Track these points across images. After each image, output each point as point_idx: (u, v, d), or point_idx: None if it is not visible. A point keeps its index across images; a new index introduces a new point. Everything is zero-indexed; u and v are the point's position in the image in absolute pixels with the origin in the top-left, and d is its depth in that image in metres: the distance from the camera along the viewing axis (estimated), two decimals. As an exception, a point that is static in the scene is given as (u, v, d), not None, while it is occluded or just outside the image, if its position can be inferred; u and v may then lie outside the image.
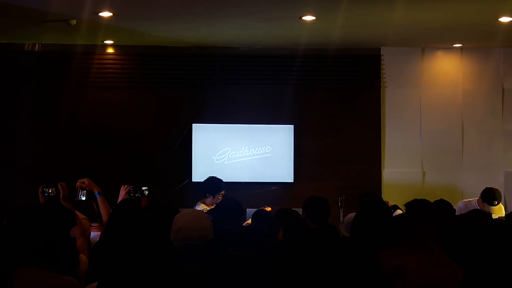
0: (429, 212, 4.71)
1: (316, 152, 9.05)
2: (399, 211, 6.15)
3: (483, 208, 6.64)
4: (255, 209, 5.64)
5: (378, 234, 2.85)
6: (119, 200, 5.61)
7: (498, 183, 9.01)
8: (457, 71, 9.22)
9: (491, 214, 3.84)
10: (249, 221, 5.81)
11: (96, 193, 4.53)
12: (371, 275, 2.62)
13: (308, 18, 7.21)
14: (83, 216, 4.48)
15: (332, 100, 9.10)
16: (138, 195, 5.74)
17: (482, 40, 8.71)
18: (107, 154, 8.80)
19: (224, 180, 6.89)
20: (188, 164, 8.76)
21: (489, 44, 8.86)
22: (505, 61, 9.16)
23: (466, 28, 7.94)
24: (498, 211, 6.67)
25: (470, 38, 8.62)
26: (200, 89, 8.97)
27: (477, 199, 6.91)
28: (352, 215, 5.21)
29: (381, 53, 9.14)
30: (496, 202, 6.78)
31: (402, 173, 9.07)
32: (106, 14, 6.99)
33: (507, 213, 6.64)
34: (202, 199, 6.79)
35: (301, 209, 5.38)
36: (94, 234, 4.69)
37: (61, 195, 4.40)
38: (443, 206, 5.24)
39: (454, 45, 9.04)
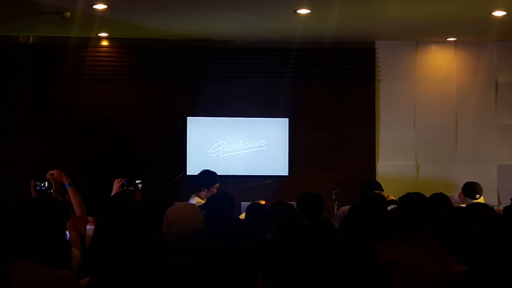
0: (424, 205, 4.74)
1: (311, 145, 9.07)
2: (394, 206, 6.16)
3: (465, 202, 6.70)
4: (250, 202, 5.65)
5: (372, 227, 2.87)
6: (112, 194, 5.62)
7: (491, 177, 9.07)
8: (451, 65, 9.24)
9: (492, 207, 3.85)
10: (243, 214, 5.82)
11: (66, 184, 4.45)
12: (366, 267, 2.64)
13: (303, 11, 7.22)
14: (80, 214, 4.47)
15: (326, 94, 9.12)
16: (131, 189, 5.74)
17: (476, 34, 8.73)
18: (101, 147, 8.79)
19: (218, 174, 6.88)
20: (183, 157, 8.76)
21: (483, 38, 8.88)
22: (498, 55, 9.18)
23: (460, 22, 7.96)
24: None
25: (464, 32, 8.64)
26: (195, 82, 8.97)
27: (459, 193, 6.96)
28: (345, 208, 5.25)
29: (376, 47, 9.15)
30: (478, 195, 6.83)
31: (396, 166, 9.10)
32: (100, 6, 6.97)
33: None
34: (196, 192, 6.79)
35: (295, 202, 5.41)
36: (89, 228, 4.68)
37: (52, 189, 4.39)
38: (440, 199, 5.27)
39: (448, 39, 9.05)
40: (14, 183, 7.96)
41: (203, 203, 5.98)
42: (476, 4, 7.04)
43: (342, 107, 9.13)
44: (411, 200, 5.00)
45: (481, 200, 6.80)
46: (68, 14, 7.24)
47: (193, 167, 8.48)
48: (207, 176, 6.78)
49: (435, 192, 5.55)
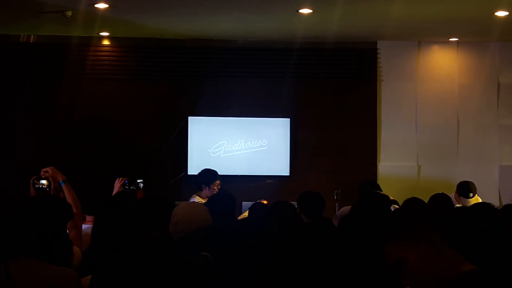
0: (428, 205, 4.74)
1: (312, 145, 9.06)
2: (395, 206, 6.16)
3: (460, 202, 6.71)
4: (251, 202, 5.64)
5: (374, 226, 2.86)
6: (114, 193, 5.61)
7: (492, 177, 9.07)
8: (453, 65, 9.23)
9: (493, 206, 3.86)
10: (246, 213, 5.81)
11: (60, 181, 4.42)
12: (373, 267, 2.62)
13: (305, 11, 7.21)
14: (75, 212, 4.45)
15: (328, 94, 9.11)
16: (133, 188, 5.73)
17: (478, 35, 8.72)
18: (103, 146, 8.79)
19: (220, 173, 6.87)
20: (184, 157, 8.76)
21: (485, 39, 8.87)
22: (501, 56, 9.18)
23: (462, 22, 7.95)
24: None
25: (466, 32, 8.63)
26: (197, 82, 8.97)
27: (454, 194, 6.95)
28: (346, 208, 5.24)
29: (378, 47, 9.15)
30: (472, 194, 6.84)
31: (398, 166, 9.09)
32: (102, 5, 6.97)
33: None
34: (197, 192, 6.77)
35: (296, 202, 5.40)
36: (86, 227, 4.67)
37: (52, 187, 4.38)
38: (442, 199, 5.28)
39: (450, 39, 9.05)
40: (16, 182, 7.95)
41: (204, 203, 5.97)
42: (479, 4, 7.03)
43: (343, 108, 9.13)
44: (414, 202, 5.01)
45: (476, 198, 6.81)
46: (69, 13, 7.23)
47: (194, 167, 8.48)
48: (208, 174, 6.77)
49: (436, 192, 5.56)
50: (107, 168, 8.49)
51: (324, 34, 8.39)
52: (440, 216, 3.78)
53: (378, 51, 9.16)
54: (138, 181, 5.88)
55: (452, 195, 6.98)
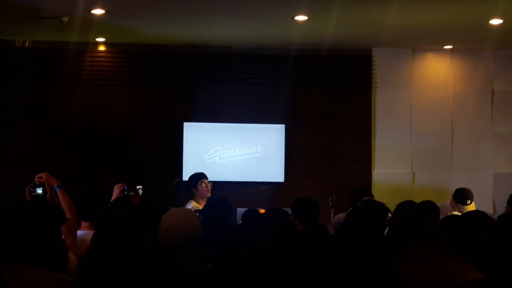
0: (418, 214, 4.74)
1: (307, 152, 9.08)
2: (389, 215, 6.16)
3: (456, 209, 6.70)
4: (245, 209, 5.63)
5: (370, 233, 2.87)
6: (112, 199, 5.60)
7: (487, 185, 9.10)
8: (447, 73, 9.27)
9: (487, 215, 3.85)
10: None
11: (55, 187, 4.41)
12: (373, 276, 2.63)
13: (301, 18, 7.24)
14: (70, 217, 4.44)
15: (323, 100, 9.14)
16: (132, 194, 5.70)
17: (472, 42, 8.76)
18: (98, 152, 8.79)
19: (214, 180, 6.88)
20: (179, 163, 8.76)
21: (480, 46, 8.92)
22: (495, 63, 9.22)
23: (457, 30, 7.99)
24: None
25: (460, 40, 8.67)
26: (192, 87, 8.98)
27: (450, 201, 6.95)
28: (341, 215, 5.24)
29: (372, 54, 9.18)
30: (469, 201, 6.82)
31: (392, 173, 9.12)
32: (98, 11, 6.99)
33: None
34: (191, 197, 6.77)
35: (290, 209, 5.39)
36: (81, 233, 4.66)
37: (47, 195, 4.37)
38: (430, 207, 5.28)
39: (444, 47, 9.09)
40: (12, 187, 7.93)
41: (201, 209, 5.97)
42: (473, 13, 7.07)
43: (338, 114, 9.15)
44: (406, 210, 5.00)
45: (473, 206, 6.81)
46: (66, 18, 7.24)
47: (189, 173, 8.35)
48: (193, 176, 6.78)
49: (430, 199, 5.56)
50: (102, 173, 8.49)
51: (319, 41, 8.42)
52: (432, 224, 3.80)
53: (373, 58, 9.19)
54: (138, 187, 5.85)
55: (447, 202, 6.99)
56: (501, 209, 7.57)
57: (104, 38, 8.65)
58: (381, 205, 5.70)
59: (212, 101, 8.93)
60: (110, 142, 8.82)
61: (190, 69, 9.00)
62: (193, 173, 6.89)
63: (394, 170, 9.13)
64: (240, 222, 5.88)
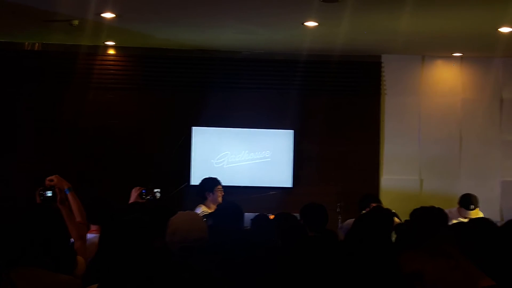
0: (436, 217, 4.72)
1: (315, 157, 9.07)
2: (396, 220, 6.16)
3: (461, 215, 6.70)
4: (253, 214, 5.62)
5: (380, 239, 2.87)
6: (130, 202, 5.59)
7: (495, 192, 9.07)
8: (457, 80, 9.26)
9: (492, 221, 3.84)
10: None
11: (66, 189, 4.41)
12: (387, 278, 2.62)
13: (311, 24, 7.25)
14: (80, 220, 4.45)
15: (332, 106, 9.13)
16: (150, 197, 5.67)
17: (482, 50, 8.75)
18: (107, 156, 8.81)
19: (223, 184, 6.86)
20: (187, 167, 8.77)
21: (489, 54, 8.90)
22: (504, 71, 9.20)
23: (466, 38, 7.98)
24: (475, 216, 6.69)
25: (470, 48, 8.66)
26: (201, 92, 8.99)
27: (457, 208, 6.95)
28: (351, 221, 5.22)
29: (382, 61, 9.18)
30: (473, 206, 6.82)
31: (400, 180, 9.10)
32: (108, 15, 7.01)
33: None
34: (201, 201, 6.74)
35: (299, 214, 5.37)
36: (91, 236, 4.67)
37: (58, 198, 4.37)
38: (439, 212, 5.27)
39: (454, 54, 9.07)
40: (21, 190, 7.96)
41: (210, 212, 5.94)
42: (483, 20, 7.06)
43: (347, 120, 9.15)
44: (434, 211, 4.98)
45: (476, 212, 6.80)
46: (76, 22, 7.27)
47: (197, 177, 8.42)
48: (209, 180, 6.70)
49: (438, 206, 5.54)
50: (111, 176, 8.51)
51: (329, 47, 8.42)
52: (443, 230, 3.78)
53: (382, 64, 9.19)
54: (155, 190, 5.81)
55: (454, 208, 6.97)
56: (508, 216, 7.55)
57: (114, 42, 8.68)
58: (388, 211, 5.69)
59: (221, 106, 8.94)
60: (118, 146, 8.83)
61: (199, 74, 9.02)
62: (207, 177, 6.83)
63: (402, 177, 9.11)
64: (248, 227, 5.88)
